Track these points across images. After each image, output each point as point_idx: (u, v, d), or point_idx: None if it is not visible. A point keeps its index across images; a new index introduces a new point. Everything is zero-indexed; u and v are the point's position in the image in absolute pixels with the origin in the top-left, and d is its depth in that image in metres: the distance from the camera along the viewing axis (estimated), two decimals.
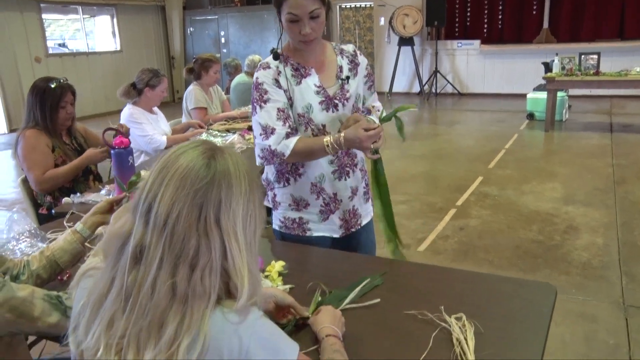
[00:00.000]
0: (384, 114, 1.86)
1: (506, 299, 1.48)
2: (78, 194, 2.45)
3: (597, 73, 7.24)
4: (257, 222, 0.99)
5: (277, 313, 1.35)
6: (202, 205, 0.91)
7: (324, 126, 1.86)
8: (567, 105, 8.34)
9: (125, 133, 2.77)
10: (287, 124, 1.79)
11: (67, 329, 1.27)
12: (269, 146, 1.78)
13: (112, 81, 10.95)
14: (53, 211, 2.43)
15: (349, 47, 1.97)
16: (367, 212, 2.07)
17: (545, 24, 10.91)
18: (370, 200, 2.08)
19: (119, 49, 11.42)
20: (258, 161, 1.85)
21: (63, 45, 11.15)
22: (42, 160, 2.71)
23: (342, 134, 1.71)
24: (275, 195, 1.98)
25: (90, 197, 2.44)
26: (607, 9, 10.54)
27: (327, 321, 1.25)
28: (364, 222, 2.05)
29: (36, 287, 1.28)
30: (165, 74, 3.83)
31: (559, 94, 7.81)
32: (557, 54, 7.69)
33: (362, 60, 1.98)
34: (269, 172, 1.97)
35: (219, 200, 0.92)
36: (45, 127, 2.74)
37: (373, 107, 2.03)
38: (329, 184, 1.92)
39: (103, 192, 2.50)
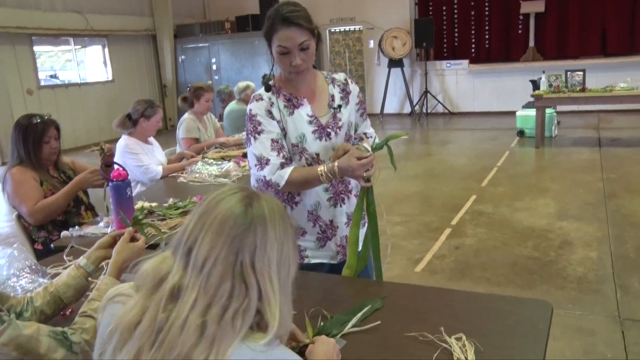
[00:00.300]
0: (377, 142, 1.90)
1: (504, 317, 1.51)
2: (77, 227, 2.47)
3: (583, 89, 7.38)
4: (291, 264, 1.04)
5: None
6: (239, 251, 0.96)
7: (317, 155, 1.89)
8: (556, 122, 8.46)
9: (110, 154, 2.86)
10: (281, 154, 1.82)
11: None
12: (264, 177, 1.82)
13: (105, 111, 11.01)
14: (52, 246, 2.44)
15: (340, 76, 2.01)
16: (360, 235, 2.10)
17: (531, 43, 11.11)
18: (366, 225, 2.10)
19: (110, 78, 11.49)
20: None
21: (54, 76, 11.21)
22: (32, 192, 2.73)
23: (336, 164, 1.75)
24: None
25: (88, 229, 2.46)
26: (589, 27, 10.76)
27: (322, 352, 1.27)
28: (358, 248, 2.07)
29: (41, 324, 1.30)
30: (160, 105, 3.87)
31: (548, 110, 7.93)
32: (544, 72, 7.83)
33: (354, 88, 2.02)
34: None
35: (255, 245, 0.97)
36: (31, 163, 2.76)
37: (365, 134, 2.07)
38: (325, 211, 1.95)
39: (101, 224, 2.52)
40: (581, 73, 7.47)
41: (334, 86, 1.97)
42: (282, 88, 1.90)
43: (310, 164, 1.89)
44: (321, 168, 1.78)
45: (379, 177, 1.83)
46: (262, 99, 1.87)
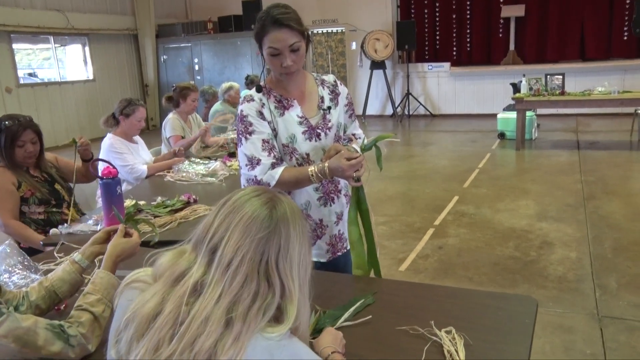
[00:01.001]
0: (365, 143, 1.92)
1: (491, 312, 1.56)
2: (65, 225, 2.46)
3: (562, 93, 7.53)
4: (308, 262, 1.09)
5: None
6: (264, 251, 1.01)
7: (308, 155, 1.93)
8: (536, 124, 8.60)
9: (85, 149, 2.92)
10: (272, 155, 1.85)
11: (69, 356, 1.30)
12: (255, 176, 1.84)
13: (86, 110, 10.90)
14: (41, 242, 2.44)
15: (330, 78, 2.06)
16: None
17: (512, 46, 11.28)
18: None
19: (91, 77, 11.38)
20: None
21: (33, 74, 11.06)
22: (7, 202, 2.71)
23: (326, 164, 1.78)
24: None
25: (77, 227, 2.45)
26: (568, 32, 10.97)
27: (330, 341, 1.31)
28: (349, 246, 2.11)
29: (39, 317, 1.31)
30: (141, 103, 3.85)
31: (528, 113, 8.06)
32: (524, 75, 7.98)
33: (343, 90, 2.06)
34: None
35: (279, 246, 1.02)
36: (6, 164, 2.74)
37: (354, 135, 2.11)
38: (315, 210, 1.98)
39: (90, 222, 2.52)
40: (560, 77, 7.63)
41: (323, 88, 2.01)
42: (273, 89, 1.93)
43: (300, 164, 1.92)
44: (312, 168, 1.81)
45: (368, 178, 1.87)
46: (253, 100, 1.89)
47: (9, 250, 1.80)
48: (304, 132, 1.92)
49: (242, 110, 1.89)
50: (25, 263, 1.82)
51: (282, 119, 1.90)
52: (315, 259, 2.03)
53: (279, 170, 1.84)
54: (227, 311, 0.96)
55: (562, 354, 2.80)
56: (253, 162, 1.84)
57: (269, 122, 1.88)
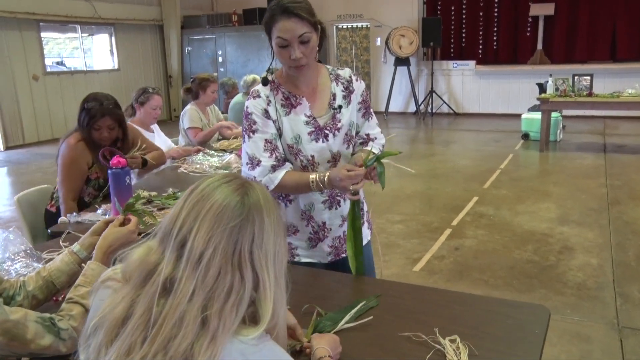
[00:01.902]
0: (369, 158, 1.77)
1: (500, 320, 1.49)
2: (74, 214, 2.45)
3: (590, 94, 7.32)
4: (284, 252, 1.02)
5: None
6: (237, 241, 0.94)
7: (312, 157, 1.85)
8: (561, 126, 8.41)
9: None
10: (273, 156, 1.80)
11: (60, 350, 1.28)
12: (254, 177, 1.79)
13: None
14: (49, 231, 2.43)
15: (345, 73, 1.94)
16: (363, 236, 2.02)
17: (539, 45, 11.05)
18: (366, 224, 2.06)
19: (116, 67, 11.49)
20: None
21: (61, 63, 11.21)
22: (76, 182, 2.73)
23: (327, 174, 1.72)
24: None
25: (86, 216, 2.44)
26: (599, 31, 10.69)
27: (326, 343, 1.26)
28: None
29: (29, 310, 1.29)
30: (157, 91, 3.83)
31: (553, 114, 7.88)
32: (551, 75, 7.79)
33: (358, 86, 1.94)
34: None
35: (253, 235, 0.95)
36: (85, 137, 2.75)
37: (368, 135, 1.98)
38: (319, 212, 1.91)
39: (100, 211, 2.51)
40: (589, 78, 7.42)
41: (337, 84, 1.90)
42: (282, 85, 1.85)
43: (305, 165, 1.85)
44: (313, 176, 1.75)
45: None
46: (259, 97, 1.83)
47: (12, 238, 1.79)
48: (310, 133, 1.84)
49: (247, 107, 1.83)
50: (28, 251, 1.81)
51: (287, 119, 1.83)
52: (316, 261, 1.97)
53: (279, 175, 1.79)
54: (202, 309, 0.90)
55: None
56: (254, 162, 1.80)
57: (274, 121, 1.82)
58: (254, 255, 0.94)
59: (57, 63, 11.13)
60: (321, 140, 1.85)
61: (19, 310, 1.25)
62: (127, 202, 1.66)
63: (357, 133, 1.97)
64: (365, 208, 2.09)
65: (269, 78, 1.84)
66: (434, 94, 11.46)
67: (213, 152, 3.88)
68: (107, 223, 1.58)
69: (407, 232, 4.61)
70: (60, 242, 2.09)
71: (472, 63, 11.43)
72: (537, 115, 7.88)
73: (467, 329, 1.42)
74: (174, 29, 12.20)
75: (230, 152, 3.87)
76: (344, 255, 1.99)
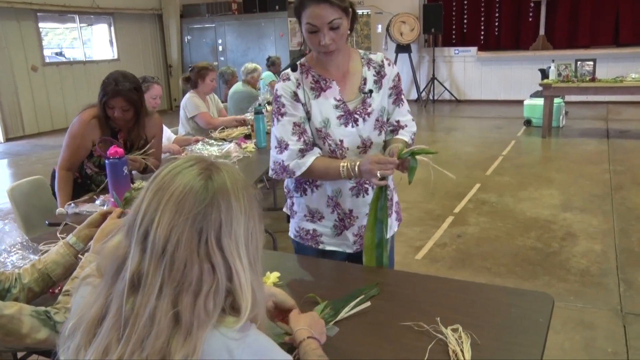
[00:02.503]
0: (404, 151, 1.72)
1: (503, 309, 1.47)
2: (72, 205, 2.43)
3: (593, 79, 7.25)
4: (259, 237, 0.96)
5: (277, 315, 1.31)
6: (202, 230, 0.88)
7: (341, 141, 1.81)
8: (564, 112, 8.36)
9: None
10: (302, 139, 1.78)
11: (56, 344, 1.25)
12: (282, 161, 1.78)
13: None
14: (47, 222, 2.41)
15: (378, 57, 1.90)
16: (388, 228, 1.97)
17: (542, 31, 10.96)
18: (393, 216, 2.02)
19: (116, 57, 11.43)
20: (270, 173, 1.85)
21: (60, 54, 11.15)
22: (73, 154, 2.72)
23: (358, 162, 1.68)
24: (293, 203, 1.97)
25: (84, 207, 2.42)
26: (602, 16, 10.59)
27: (307, 324, 1.21)
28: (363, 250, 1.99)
29: (24, 304, 1.27)
30: (157, 80, 3.80)
31: (556, 100, 7.82)
32: (553, 61, 7.72)
33: (390, 71, 1.89)
34: (289, 180, 1.95)
35: (220, 221, 0.89)
36: (99, 114, 2.73)
37: (398, 122, 1.92)
38: (346, 199, 1.87)
39: (98, 202, 2.48)
40: (591, 63, 7.35)
41: (368, 68, 1.86)
42: (312, 68, 1.82)
43: (333, 150, 1.82)
44: (344, 163, 1.71)
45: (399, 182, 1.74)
46: (289, 79, 1.81)
47: (7, 229, 1.77)
48: (339, 117, 1.80)
49: (277, 90, 1.82)
50: (25, 243, 1.78)
51: (316, 102, 1.79)
52: (339, 249, 1.93)
53: (308, 161, 1.76)
54: (172, 304, 0.85)
55: (581, 351, 2.68)
56: (282, 145, 1.78)
57: (303, 104, 1.79)
58: (223, 244, 0.89)
59: (57, 54, 11.06)
60: (350, 124, 1.82)
61: (14, 305, 1.23)
62: (126, 195, 1.63)
63: (387, 120, 1.92)
64: (396, 199, 2.05)
65: (298, 63, 1.81)
66: (435, 81, 11.38)
67: (213, 141, 3.85)
68: (103, 215, 1.56)
69: (410, 220, 4.58)
70: (58, 234, 2.07)
71: (474, 49, 11.35)
72: (540, 102, 7.83)
73: (469, 318, 1.40)
74: (174, 18, 12.12)
75: (230, 141, 3.84)
76: None
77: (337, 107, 1.80)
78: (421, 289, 1.63)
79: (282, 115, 1.79)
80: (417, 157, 1.69)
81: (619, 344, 2.73)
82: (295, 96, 1.79)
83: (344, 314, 1.43)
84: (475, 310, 1.46)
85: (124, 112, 2.70)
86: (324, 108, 1.80)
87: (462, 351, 1.25)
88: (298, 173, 1.77)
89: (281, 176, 1.82)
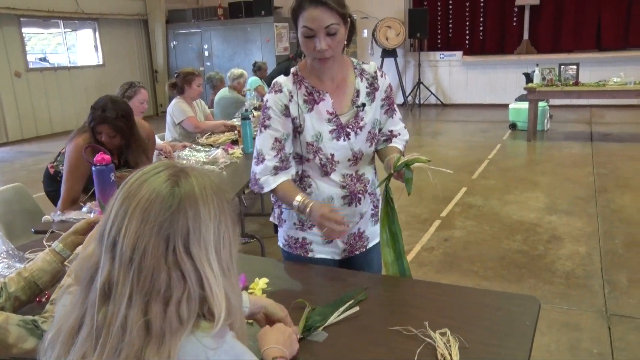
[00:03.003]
0: (398, 163, 1.73)
1: (490, 312, 1.48)
2: (58, 212, 2.41)
3: (576, 83, 7.36)
4: (232, 242, 0.95)
5: (268, 324, 1.32)
6: (169, 237, 0.87)
7: (332, 155, 1.80)
8: (548, 115, 8.45)
9: None
10: (279, 156, 1.76)
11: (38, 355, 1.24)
12: (255, 173, 1.78)
13: (95, 95, 10.62)
14: (33, 230, 2.39)
15: (371, 68, 1.86)
16: (375, 235, 2.00)
17: (526, 35, 11.08)
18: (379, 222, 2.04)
19: (101, 63, 11.35)
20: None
21: (44, 59, 11.05)
22: (76, 183, 2.68)
23: (312, 204, 1.68)
24: (281, 212, 1.94)
25: (71, 215, 2.40)
26: (584, 21, 10.74)
27: (274, 340, 1.20)
28: (370, 245, 1.99)
29: (10, 314, 1.25)
30: (143, 85, 3.81)
31: (540, 104, 7.91)
32: (537, 65, 7.81)
33: (383, 82, 1.87)
34: None
35: (187, 228, 0.88)
36: (91, 138, 2.70)
37: (391, 131, 1.94)
38: (337, 208, 1.83)
39: (85, 209, 2.46)
40: (575, 67, 7.45)
41: (361, 79, 1.82)
42: (305, 78, 1.77)
43: (324, 164, 1.80)
44: (299, 199, 1.70)
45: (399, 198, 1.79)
46: (281, 91, 1.76)
47: None
48: (331, 131, 1.77)
49: (267, 100, 1.77)
50: (10, 252, 1.77)
51: (309, 115, 1.76)
52: (329, 257, 1.92)
53: (277, 181, 1.76)
54: (143, 313, 0.85)
55: (567, 353, 2.71)
56: (259, 158, 1.78)
57: (294, 118, 1.76)
58: (192, 251, 0.88)
59: (41, 59, 10.97)
60: (342, 138, 1.79)
61: (0, 315, 1.22)
62: None
63: (379, 130, 1.91)
64: (381, 205, 2.04)
65: (292, 70, 1.79)
66: (421, 85, 11.45)
67: (200, 147, 3.84)
68: (90, 223, 1.55)
69: None
70: (44, 242, 2.05)
71: (459, 54, 11.44)
72: (525, 105, 7.91)
73: (457, 321, 1.41)
74: (159, 24, 12.07)
75: (217, 147, 3.84)
76: (357, 252, 1.96)
77: (329, 120, 1.77)
78: (409, 293, 1.64)
79: (266, 127, 1.77)
80: (412, 165, 1.69)
81: (604, 345, 2.76)
82: (286, 110, 1.75)
83: (332, 319, 1.43)
84: (463, 313, 1.48)
85: (111, 138, 2.69)
86: (317, 122, 1.77)
87: (450, 355, 1.26)
88: (266, 189, 1.77)
89: (252, 187, 1.81)
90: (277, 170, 1.77)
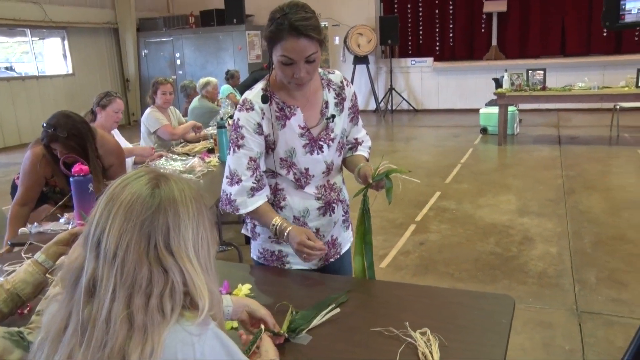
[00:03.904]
0: (376, 173, 1.76)
1: (467, 311, 1.53)
2: (35, 224, 2.39)
3: (543, 88, 7.57)
4: (210, 244, 1.01)
5: (252, 324, 1.37)
6: (150, 234, 0.93)
7: (307, 170, 1.81)
8: (518, 119, 8.65)
9: None
10: (254, 175, 1.74)
11: None
12: (230, 194, 1.76)
13: (66, 105, 10.67)
14: (9, 242, 2.36)
15: (336, 78, 1.87)
16: (347, 240, 2.04)
17: (494, 41, 11.33)
18: (349, 227, 2.05)
19: (71, 72, 11.20)
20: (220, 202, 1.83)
21: (10, 68, 10.84)
22: (29, 189, 2.67)
23: (290, 229, 1.69)
24: (254, 226, 1.92)
25: (48, 226, 2.38)
26: (549, 27, 11.05)
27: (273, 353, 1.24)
28: (343, 251, 2.02)
29: None
30: (120, 95, 3.79)
31: (510, 108, 8.10)
32: (506, 70, 8.00)
33: (349, 92, 1.88)
34: None
35: (167, 227, 0.94)
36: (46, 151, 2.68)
37: (356, 139, 1.96)
38: (313, 219, 1.86)
39: (62, 220, 2.45)
40: (542, 72, 7.66)
41: (329, 90, 1.83)
42: (275, 93, 1.76)
43: (298, 178, 1.81)
44: (276, 222, 1.72)
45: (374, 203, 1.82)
46: (253, 109, 1.73)
47: None
48: (304, 145, 1.78)
49: (238, 119, 1.73)
50: None
51: (282, 132, 1.75)
52: (305, 267, 1.92)
53: (256, 204, 1.75)
54: (126, 306, 0.90)
55: (541, 350, 2.79)
56: (234, 178, 1.75)
57: (267, 136, 1.75)
58: (172, 248, 0.94)
59: (6, 68, 10.75)
60: (316, 152, 1.80)
61: None
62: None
63: (346, 139, 1.94)
64: (348, 209, 2.06)
65: (264, 91, 1.75)
66: (393, 92, 11.59)
67: (176, 156, 3.83)
68: (72, 234, 1.55)
69: (373, 230, 4.63)
70: (22, 254, 2.03)
71: (430, 60, 11.62)
72: (495, 110, 8.08)
73: (436, 321, 1.45)
74: (130, 32, 11.97)
75: (194, 156, 3.84)
76: (332, 260, 1.98)
77: (302, 135, 1.77)
78: (389, 295, 1.68)
79: (239, 147, 1.73)
80: (391, 175, 1.73)
81: (575, 342, 2.85)
82: (259, 128, 1.73)
83: (316, 322, 1.46)
84: (442, 313, 1.53)
85: (65, 154, 2.66)
86: (290, 137, 1.76)
87: (431, 353, 1.30)
88: (242, 211, 1.75)
89: (224, 207, 1.79)
90: (253, 191, 1.75)
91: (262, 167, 1.79)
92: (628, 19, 1.20)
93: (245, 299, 1.42)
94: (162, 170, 1.03)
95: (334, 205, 1.90)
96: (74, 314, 0.92)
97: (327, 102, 1.82)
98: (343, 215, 2.00)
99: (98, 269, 0.92)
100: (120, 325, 0.88)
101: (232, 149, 1.77)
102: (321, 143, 1.80)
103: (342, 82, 1.88)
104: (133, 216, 0.92)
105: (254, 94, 1.76)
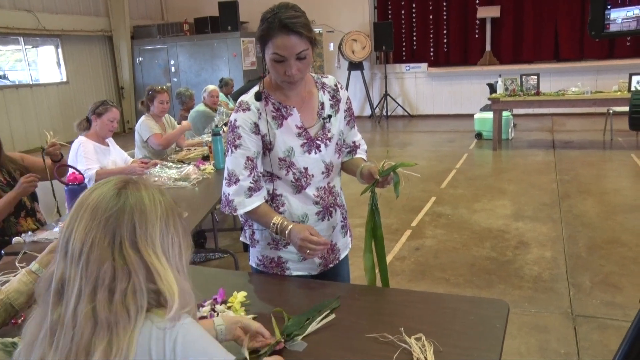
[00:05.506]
0: (384, 168, 1.78)
1: (462, 317, 1.54)
2: (29, 233, 2.38)
3: (537, 93, 7.61)
4: (183, 248, 1.03)
5: (252, 340, 1.36)
6: (115, 231, 0.95)
7: (306, 169, 1.82)
8: (512, 124, 8.68)
9: (52, 149, 2.77)
10: (252, 175, 1.75)
11: None
12: (228, 194, 1.77)
13: (60, 113, 10.69)
14: (2, 252, 2.35)
15: (330, 81, 1.91)
16: (345, 246, 2.05)
17: (488, 47, 11.38)
18: (348, 233, 2.06)
19: (65, 80, 11.18)
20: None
21: (4, 77, 10.82)
22: None
23: (291, 226, 1.70)
24: (253, 233, 1.92)
25: (42, 235, 2.38)
26: (543, 32, 11.11)
27: None
28: (342, 256, 2.02)
29: None
30: (116, 104, 3.79)
31: (504, 113, 8.13)
32: (500, 75, 8.05)
33: (343, 94, 1.92)
34: None
35: (133, 224, 0.96)
36: None
37: (354, 142, 1.99)
38: (312, 224, 1.86)
39: (56, 229, 2.44)
40: (535, 77, 7.71)
41: (324, 92, 1.86)
42: (271, 95, 1.79)
43: (298, 178, 1.81)
44: (276, 221, 1.72)
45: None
46: (249, 110, 1.75)
47: None
48: (302, 145, 1.79)
49: (235, 120, 1.76)
50: None
51: (280, 131, 1.77)
52: (306, 273, 1.93)
53: (253, 204, 1.76)
54: (89, 301, 0.91)
55: (536, 354, 2.80)
56: (232, 178, 1.76)
57: (263, 135, 1.76)
58: (139, 246, 0.96)
59: (0, 77, 10.73)
60: (314, 151, 1.82)
61: None
62: None
63: (343, 141, 1.96)
64: (346, 214, 2.07)
65: (260, 90, 1.78)
66: (388, 97, 11.63)
67: (171, 164, 3.83)
68: None
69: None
70: (17, 263, 2.03)
71: (424, 65, 11.67)
72: (489, 115, 8.12)
73: (431, 327, 1.46)
74: (124, 40, 11.97)
75: (189, 163, 3.84)
76: (331, 265, 1.98)
77: (299, 135, 1.79)
78: (384, 301, 1.68)
79: (237, 147, 1.75)
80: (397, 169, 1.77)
81: (571, 345, 2.86)
82: (255, 128, 1.75)
83: (311, 328, 1.46)
84: (436, 319, 1.53)
85: None
86: (287, 137, 1.78)
87: (426, 358, 1.31)
88: (240, 211, 1.76)
89: (224, 209, 1.80)
90: (251, 191, 1.76)
91: (260, 168, 1.80)
92: (613, 28, 1.21)
93: (235, 316, 1.44)
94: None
95: (332, 209, 1.91)
96: (45, 318, 0.94)
97: (322, 104, 1.85)
98: (342, 221, 2.00)
99: (66, 269, 0.94)
100: (85, 322, 0.90)
101: (229, 150, 1.79)
102: (319, 142, 1.82)
103: (336, 85, 1.91)
104: (98, 214, 0.95)
105: (250, 95, 1.79)
